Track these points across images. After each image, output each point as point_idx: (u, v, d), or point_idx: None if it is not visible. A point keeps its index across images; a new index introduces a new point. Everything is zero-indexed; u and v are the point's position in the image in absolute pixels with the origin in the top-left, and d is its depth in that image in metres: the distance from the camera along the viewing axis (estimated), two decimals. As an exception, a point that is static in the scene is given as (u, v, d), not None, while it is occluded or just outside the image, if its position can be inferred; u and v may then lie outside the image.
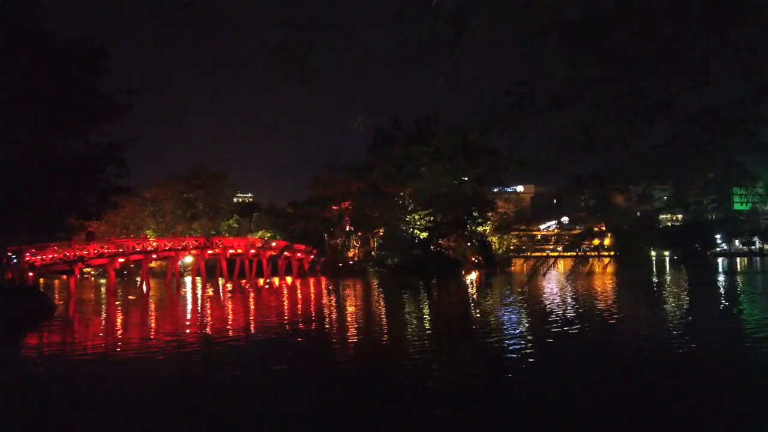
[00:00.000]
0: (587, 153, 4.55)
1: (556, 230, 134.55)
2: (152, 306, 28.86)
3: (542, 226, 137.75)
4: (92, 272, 58.08)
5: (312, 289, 38.73)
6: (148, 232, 62.10)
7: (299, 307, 27.12)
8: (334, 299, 30.64)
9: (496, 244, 65.61)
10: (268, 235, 64.04)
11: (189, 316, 23.74)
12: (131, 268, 53.96)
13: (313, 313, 23.53)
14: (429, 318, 21.39)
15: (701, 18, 3.52)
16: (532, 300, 26.18)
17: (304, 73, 3.59)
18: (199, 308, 27.07)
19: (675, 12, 3.58)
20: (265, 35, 3.57)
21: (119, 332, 19.09)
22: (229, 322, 21.08)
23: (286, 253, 55.29)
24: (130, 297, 33.73)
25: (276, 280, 49.47)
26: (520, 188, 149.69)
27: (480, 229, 60.58)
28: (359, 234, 61.32)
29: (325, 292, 36.11)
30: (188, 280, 52.55)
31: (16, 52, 20.39)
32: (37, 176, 23.12)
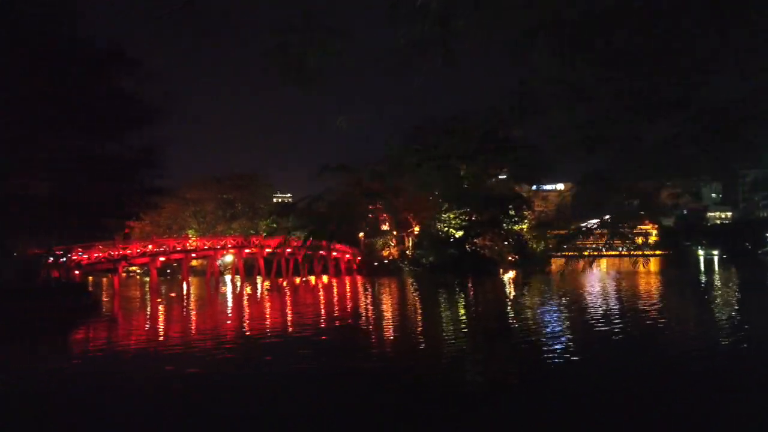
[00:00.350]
0: (588, 153, 4.38)
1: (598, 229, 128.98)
2: (191, 304, 29.51)
3: (584, 225, 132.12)
4: (138, 270, 59.97)
5: (348, 288, 38.89)
6: (190, 231, 63.83)
7: (335, 305, 27.22)
8: (370, 298, 30.64)
9: (534, 243, 64.22)
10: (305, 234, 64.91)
11: (227, 314, 24.14)
12: (174, 266, 55.46)
13: (349, 312, 23.58)
14: (464, 316, 21.10)
15: (701, 18, 3.40)
16: (572, 299, 25.49)
17: (302, 74, 3.52)
18: (236, 306, 27.53)
19: (675, 12, 3.45)
20: (264, 36, 3.54)
21: (157, 330, 19.57)
22: (266, 320, 21.31)
23: (321, 252, 55.56)
24: (171, 294, 34.61)
25: (312, 279, 49.96)
26: (560, 186, 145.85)
27: (516, 227, 59.57)
28: (394, 233, 61.26)
29: (360, 290, 36.19)
30: (228, 278, 53.62)
31: (52, 60, 21.36)
32: (77, 179, 24.07)
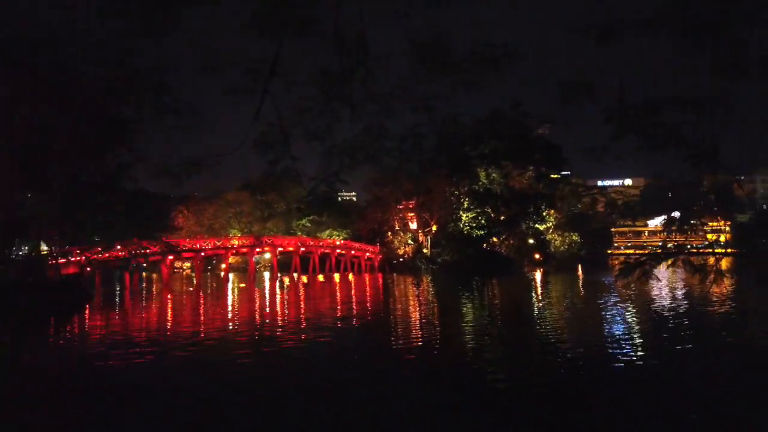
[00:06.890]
0: None
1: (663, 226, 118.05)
2: (178, 298, 29.56)
3: (651, 222, 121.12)
4: (183, 266, 63.15)
5: (367, 284, 37.99)
6: (233, 231, 65.29)
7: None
8: (387, 295, 29.73)
9: (558, 242, 62.67)
10: (335, 233, 65.31)
11: (231, 309, 23.37)
12: (213, 263, 59.73)
13: (368, 308, 23.39)
14: (477, 316, 20.08)
15: None
16: (597, 302, 23.98)
17: None
18: (219, 302, 26.77)
19: None
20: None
21: (126, 323, 19.79)
22: (236, 318, 20.42)
23: (339, 251, 55.52)
24: (189, 288, 34.47)
25: (335, 276, 49.57)
26: (628, 181, 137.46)
27: (540, 227, 58.00)
28: (417, 231, 60.11)
29: (380, 288, 35.26)
30: (263, 275, 53.35)
31: (66, 92, 22.61)
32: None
